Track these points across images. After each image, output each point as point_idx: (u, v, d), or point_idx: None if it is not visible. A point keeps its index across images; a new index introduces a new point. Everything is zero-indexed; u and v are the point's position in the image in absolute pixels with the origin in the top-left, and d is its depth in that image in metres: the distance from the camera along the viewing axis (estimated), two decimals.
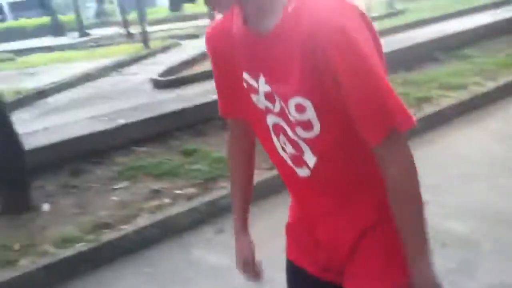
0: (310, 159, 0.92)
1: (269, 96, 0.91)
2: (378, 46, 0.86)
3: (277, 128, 0.94)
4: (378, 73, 0.81)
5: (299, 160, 0.94)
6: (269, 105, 0.93)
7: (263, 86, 0.91)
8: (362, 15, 0.83)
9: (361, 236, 0.98)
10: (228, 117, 1.11)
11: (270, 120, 0.95)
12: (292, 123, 0.91)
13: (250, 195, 1.21)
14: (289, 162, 0.96)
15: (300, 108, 0.88)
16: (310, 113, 0.88)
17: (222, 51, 1.00)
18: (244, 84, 0.95)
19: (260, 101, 0.94)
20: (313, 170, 0.93)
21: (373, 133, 0.84)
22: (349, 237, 0.98)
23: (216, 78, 1.06)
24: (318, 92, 0.86)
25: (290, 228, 1.13)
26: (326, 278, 1.05)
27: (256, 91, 0.94)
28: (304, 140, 0.91)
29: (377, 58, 0.83)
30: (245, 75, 0.95)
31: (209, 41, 1.03)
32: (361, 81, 0.81)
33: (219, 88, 1.07)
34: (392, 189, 0.88)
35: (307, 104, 0.87)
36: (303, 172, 0.96)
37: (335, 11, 0.81)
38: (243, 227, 1.21)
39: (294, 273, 1.12)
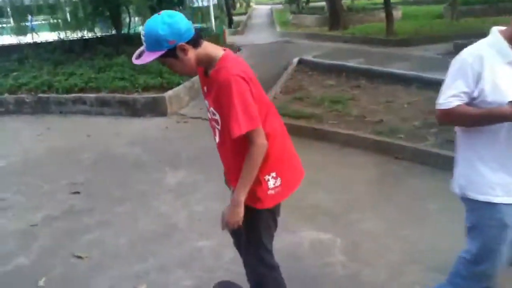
0: (217, 138, 2.08)
1: (208, 106, 2.04)
2: (255, 87, 1.91)
3: (211, 120, 2.08)
4: (235, 104, 1.80)
5: (216, 137, 2.09)
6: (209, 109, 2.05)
7: (207, 100, 2.05)
8: (243, 77, 1.84)
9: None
10: None
11: (209, 116, 2.08)
12: (212, 119, 2.04)
13: None
14: (216, 137, 2.09)
15: (213, 113, 2.00)
16: (217, 117, 1.98)
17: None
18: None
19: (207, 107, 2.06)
20: (218, 143, 2.09)
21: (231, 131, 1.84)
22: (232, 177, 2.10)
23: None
24: (218, 108, 1.93)
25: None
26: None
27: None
28: (216, 128, 2.06)
29: (244, 96, 1.82)
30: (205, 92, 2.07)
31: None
32: (228, 106, 1.83)
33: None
34: (248, 157, 1.89)
35: (216, 112, 1.97)
36: (216, 142, 2.12)
37: (229, 75, 1.83)
38: None
39: None
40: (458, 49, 2.33)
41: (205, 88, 2.03)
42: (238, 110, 1.79)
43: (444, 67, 2.03)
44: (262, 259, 2.17)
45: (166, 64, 1.90)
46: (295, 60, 9.75)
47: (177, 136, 5.97)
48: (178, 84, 7.70)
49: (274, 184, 2.02)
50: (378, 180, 4.11)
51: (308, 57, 9.79)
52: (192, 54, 1.87)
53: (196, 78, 8.22)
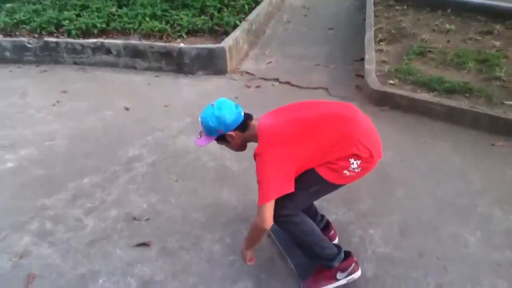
0: None
1: None
2: (290, 153, 1.96)
3: None
4: (265, 179, 1.94)
5: None
6: None
7: None
8: (274, 148, 1.97)
9: None
10: None
11: None
12: None
13: None
14: None
15: None
16: None
17: None
18: None
19: None
20: None
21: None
22: None
23: None
24: None
25: None
26: None
27: None
28: None
29: (273, 166, 1.95)
30: None
31: None
32: (258, 176, 1.97)
33: None
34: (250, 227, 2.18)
35: None
36: None
37: (257, 150, 2.00)
38: None
39: None
40: None
41: None
42: (262, 183, 1.96)
43: None
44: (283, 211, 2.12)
45: (220, 144, 2.21)
46: None
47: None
48: (235, 26, 5.63)
49: (353, 168, 2.01)
50: None
51: None
52: (239, 137, 2.14)
53: (253, 18, 6.13)
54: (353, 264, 2.23)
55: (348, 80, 4.60)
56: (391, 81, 4.09)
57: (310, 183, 2.07)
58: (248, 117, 2.14)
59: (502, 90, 3.82)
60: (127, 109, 4.35)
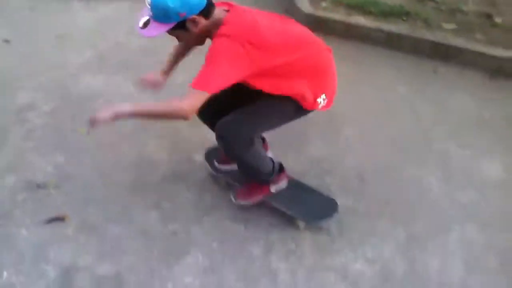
0: None
1: None
2: (254, 54, 1.59)
3: None
4: (218, 63, 1.57)
5: None
6: None
7: None
8: (244, 42, 1.58)
9: None
10: None
11: None
12: None
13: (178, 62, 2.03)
14: None
15: None
16: None
17: None
18: None
19: None
20: None
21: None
22: None
23: None
24: None
25: None
26: None
27: None
28: None
29: (235, 56, 1.57)
30: None
31: None
32: (211, 56, 1.58)
33: None
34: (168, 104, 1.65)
35: None
36: None
37: (231, 31, 1.59)
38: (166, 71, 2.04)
39: None
40: None
41: None
42: (213, 65, 1.59)
43: None
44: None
45: (174, 35, 1.72)
46: None
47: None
48: None
49: (320, 104, 1.90)
50: None
51: None
52: (201, 25, 1.66)
53: None
54: (284, 176, 2.14)
55: (276, 2, 4.11)
56: (323, 4, 3.68)
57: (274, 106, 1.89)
58: (210, 1, 1.70)
59: (438, 13, 3.63)
60: (7, 41, 3.46)
